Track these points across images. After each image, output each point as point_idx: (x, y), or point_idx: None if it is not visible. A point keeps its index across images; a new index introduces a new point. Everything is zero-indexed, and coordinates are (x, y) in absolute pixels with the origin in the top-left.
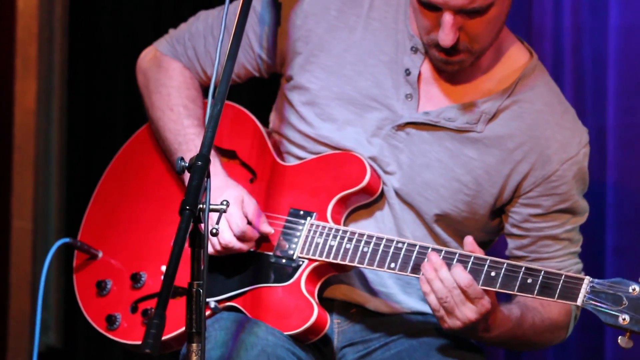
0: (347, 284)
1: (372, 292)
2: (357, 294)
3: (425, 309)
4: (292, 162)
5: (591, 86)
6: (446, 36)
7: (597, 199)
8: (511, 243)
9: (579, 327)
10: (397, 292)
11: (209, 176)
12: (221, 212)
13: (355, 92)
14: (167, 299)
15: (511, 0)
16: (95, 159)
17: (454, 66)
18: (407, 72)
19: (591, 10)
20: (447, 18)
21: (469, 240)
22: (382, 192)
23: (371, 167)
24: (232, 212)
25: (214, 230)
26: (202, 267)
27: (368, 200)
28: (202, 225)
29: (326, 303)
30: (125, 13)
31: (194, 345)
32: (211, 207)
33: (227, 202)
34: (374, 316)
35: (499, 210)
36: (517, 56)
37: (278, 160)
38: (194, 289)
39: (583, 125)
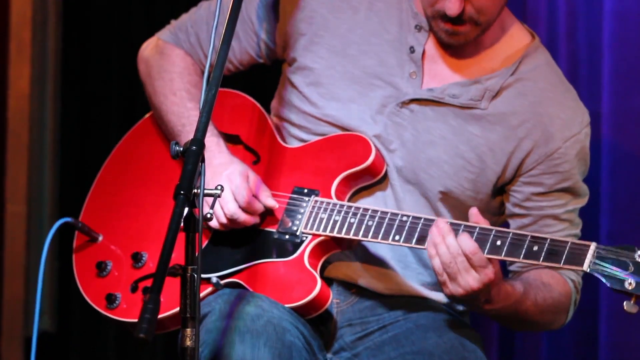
0: (347, 265)
1: (372, 273)
2: (357, 274)
3: (425, 292)
4: (295, 144)
5: (585, 71)
6: (453, 5)
7: (592, 183)
8: (512, 224)
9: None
10: (397, 274)
11: (203, 161)
12: (216, 196)
13: (359, 71)
14: (161, 283)
15: None
16: (89, 143)
17: (459, 38)
18: (412, 50)
19: None
20: None
21: (474, 211)
22: (386, 174)
23: (376, 147)
24: (237, 184)
25: (208, 215)
26: (197, 252)
27: (372, 181)
28: (197, 209)
29: (326, 282)
30: None
31: (189, 330)
32: (206, 191)
33: (222, 186)
34: (373, 297)
35: (501, 190)
36: (519, 36)
37: (281, 142)
38: (189, 274)
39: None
